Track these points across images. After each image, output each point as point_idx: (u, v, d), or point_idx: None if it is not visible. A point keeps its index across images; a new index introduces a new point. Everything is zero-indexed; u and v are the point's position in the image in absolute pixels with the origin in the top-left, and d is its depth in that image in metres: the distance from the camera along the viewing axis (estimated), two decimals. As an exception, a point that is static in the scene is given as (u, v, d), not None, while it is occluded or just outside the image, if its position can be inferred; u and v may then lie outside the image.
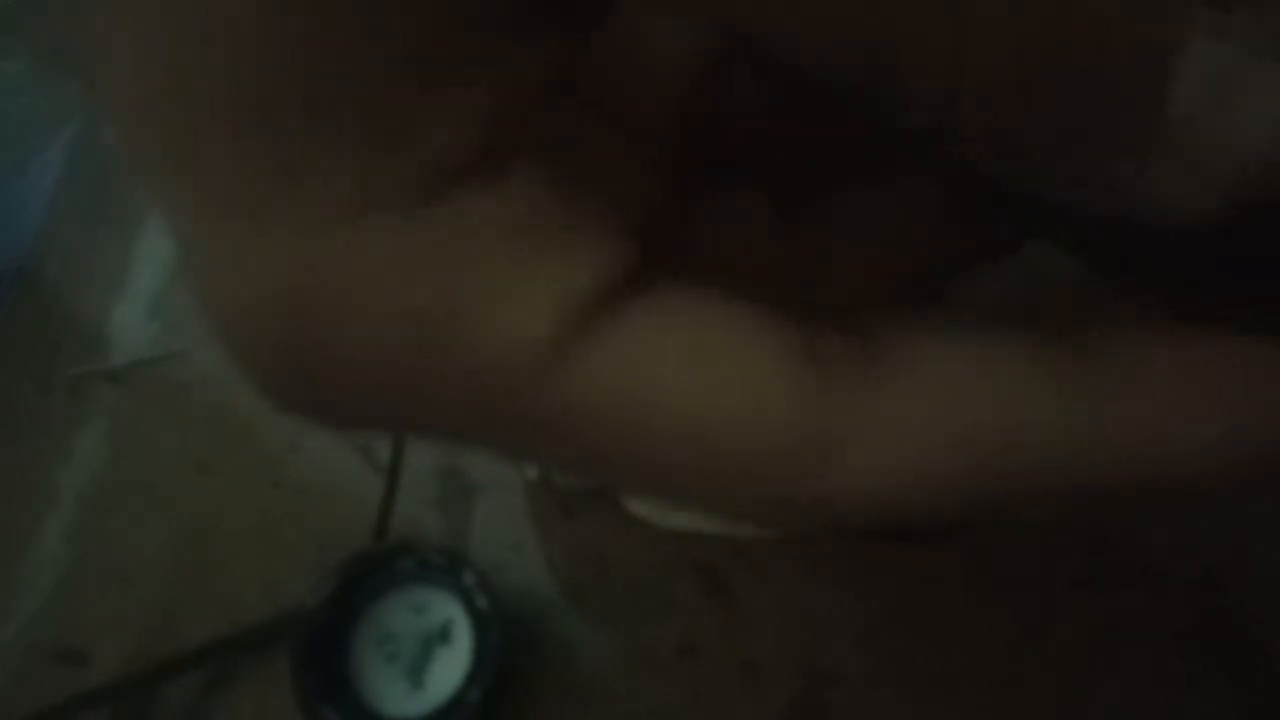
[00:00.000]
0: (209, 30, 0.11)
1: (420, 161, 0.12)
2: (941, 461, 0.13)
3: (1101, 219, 0.12)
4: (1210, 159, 0.11)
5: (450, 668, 0.39)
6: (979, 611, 0.40)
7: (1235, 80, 0.10)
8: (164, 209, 0.13)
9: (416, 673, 0.39)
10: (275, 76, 0.11)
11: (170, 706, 0.41)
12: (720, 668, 0.40)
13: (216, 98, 0.11)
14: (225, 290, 0.13)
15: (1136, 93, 0.11)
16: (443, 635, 0.40)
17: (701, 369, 0.13)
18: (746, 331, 0.13)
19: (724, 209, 0.17)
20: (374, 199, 0.12)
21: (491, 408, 0.13)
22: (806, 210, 0.17)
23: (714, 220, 0.17)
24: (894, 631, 0.40)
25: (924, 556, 0.41)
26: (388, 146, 0.12)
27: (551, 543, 0.43)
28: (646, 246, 0.14)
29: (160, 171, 0.12)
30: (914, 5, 0.10)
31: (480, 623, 0.39)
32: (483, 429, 0.13)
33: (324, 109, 0.11)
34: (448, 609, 0.40)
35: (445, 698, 0.38)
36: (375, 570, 0.40)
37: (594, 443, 0.13)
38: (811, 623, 0.40)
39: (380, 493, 0.42)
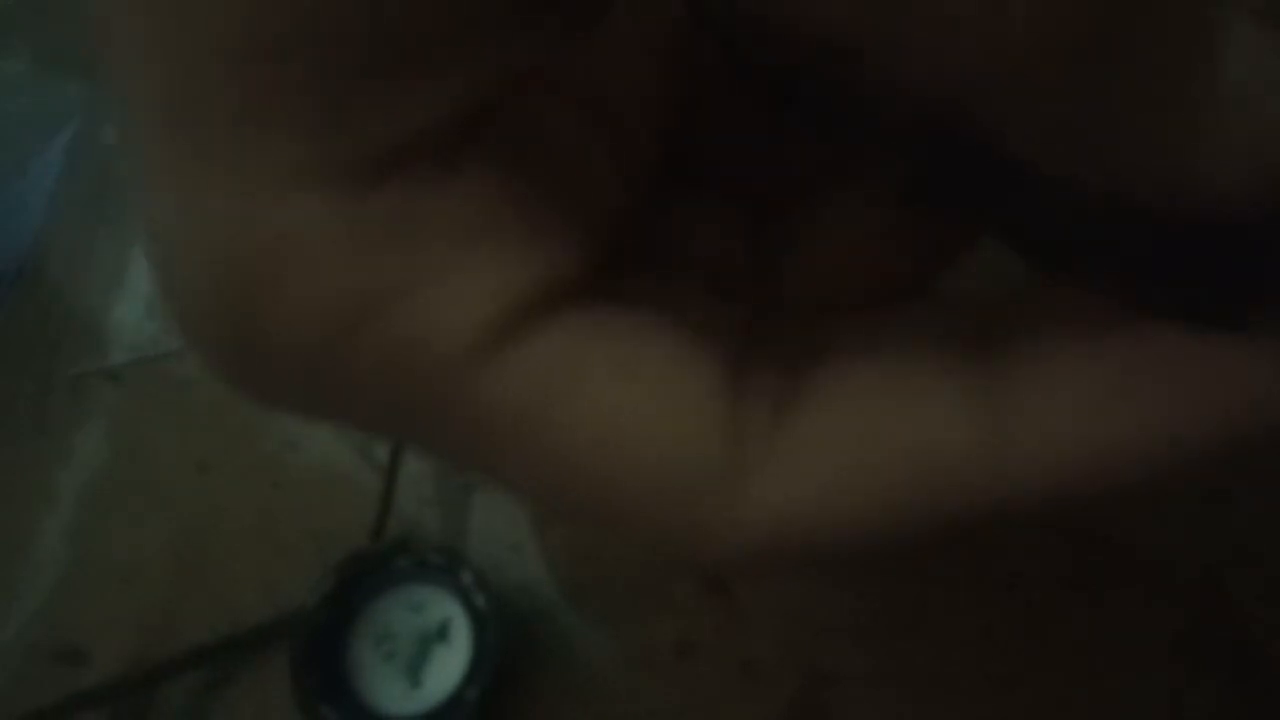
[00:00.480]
0: None
1: (377, 141, 0.12)
2: (850, 491, 0.13)
3: (1083, 214, 0.12)
4: (1260, 142, 0.10)
5: (448, 667, 0.39)
6: (979, 611, 0.40)
7: None
8: (134, 166, 0.13)
9: (414, 671, 0.39)
10: (250, 28, 0.11)
11: (169, 706, 0.41)
12: (719, 667, 0.40)
13: (202, 41, 0.11)
14: (173, 248, 0.13)
15: (1187, 70, 0.10)
16: (441, 634, 0.40)
17: (628, 384, 0.13)
18: (678, 359, 0.13)
19: (694, 217, 0.17)
20: (326, 172, 0.12)
21: (412, 396, 0.13)
22: (774, 224, 0.18)
23: (683, 227, 0.17)
24: (894, 631, 0.40)
25: (924, 556, 0.41)
26: (346, 122, 0.11)
27: (550, 542, 0.43)
28: (609, 249, 0.14)
29: (132, 109, 0.12)
30: None
31: (478, 622, 0.39)
32: (401, 419, 0.13)
33: (290, 70, 0.11)
34: (446, 608, 0.40)
35: (443, 697, 0.38)
36: (373, 569, 0.40)
37: (509, 444, 0.13)
38: (811, 622, 0.40)
39: (379, 492, 0.42)
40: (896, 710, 0.39)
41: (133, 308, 0.52)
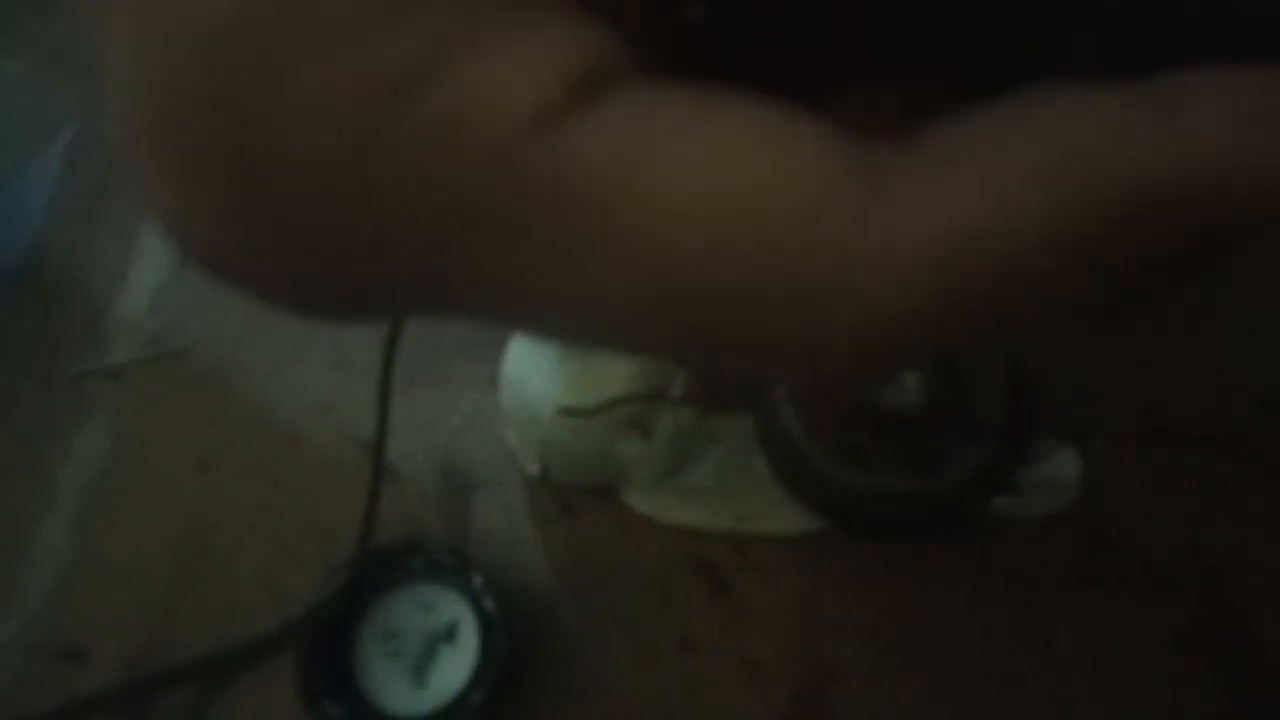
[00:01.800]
0: None
1: None
2: (1019, 196, 0.10)
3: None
4: None
5: (454, 668, 0.39)
6: (979, 611, 0.40)
7: None
8: None
9: (420, 671, 0.39)
10: None
11: (171, 703, 0.41)
12: (721, 664, 0.40)
13: None
14: (156, 47, 0.10)
15: None
16: (448, 635, 0.40)
17: (724, 134, 0.11)
18: (775, 116, 0.11)
19: None
20: None
21: (464, 192, 0.10)
22: None
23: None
24: (895, 630, 0.40)
25: (924, 556, 0.41)
26: None
27: (552, 540, 0.43)
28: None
29: None
30: None
31: (486, 625, 0.39)
32: (448, 228, 0.11)
33: None
34: (455, 609, 0.40)
35: (448, 698, 0.38)
36: (383, 567, 0.40)
37: (587, 230, 0.10)
38: (812, 620, 0.40)
39: (380, 491, 0.42)
40: (898, 707, 0.39)
41: (133, 307, 0.52)
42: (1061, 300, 0.11)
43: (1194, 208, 0.11)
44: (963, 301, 0.11)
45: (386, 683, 0.39)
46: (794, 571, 0.41)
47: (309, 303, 0.12)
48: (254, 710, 0.41)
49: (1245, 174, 0.10)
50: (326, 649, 0.39)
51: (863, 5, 0.14)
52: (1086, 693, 0.38)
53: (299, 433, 0.47)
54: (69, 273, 0.54)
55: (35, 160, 0.58)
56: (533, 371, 0.41)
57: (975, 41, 0.14)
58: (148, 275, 0.53)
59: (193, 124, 0.10)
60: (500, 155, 0.10)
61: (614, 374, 0.39)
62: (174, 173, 0.11)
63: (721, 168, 0.10)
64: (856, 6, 0.15)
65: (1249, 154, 0.10)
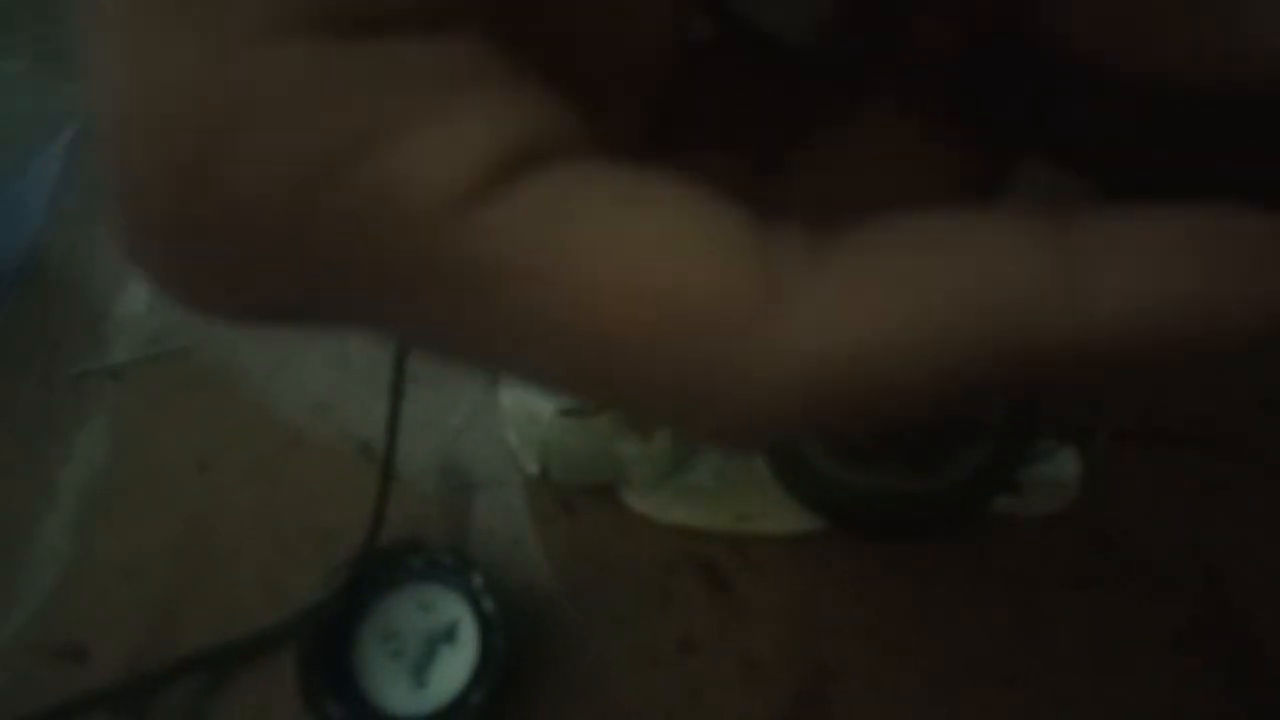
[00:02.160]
0: None
1: None
2: (908, 318, 0.11)
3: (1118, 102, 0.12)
4: None
5: (454, 669, 0.39)
6: (979, 611, 0.40)
7: None
8: (85, 19, 0.12)
9: (420, 671, 0.39)
10: None
11: (171, 702, 0.41)
12: (721, 664, 0.40)
13: None
14: (128, 104, 0.11)
15: None
16: (448, 635, 0.40)
17: (635, 215, 0.11)
18: (692, 196, 0.12)
19: (690, 162, 0.15)
20: (305, 18, 0.11)
21: (389, 255, 0.11)
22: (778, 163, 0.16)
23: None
24: (895, 630, 0.40)
25: (924, 556, 0.41)
26: None
27: (552, 539, 0.43)
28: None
29: None
30: None
31: (486, 625, 0.39)
32: (374, 289, 0.12)
33: None
34: (455, 609, 0.40)
35: (448, 699, 0.38)
36: (384, 567, 0.40)
37: (500, 300, 0.11)
38: (812, 619, 0.40)
39: (387, 489, 0.42)
40: (897, 707, 0.39)
41: (133, 306, 0.52)
42: (919, 410, 0.12)
43: (1087, 362, 0.11)
44: (831, 411, 0.11)
45: (387, 683, 0.39)
46: (794, 571, 0.41)
47: (263, 326, 0.13)
48: (254, 710, 0.41)
49: (1144, 341, 0.11)
50: (327, 649, 0.39)
51: (893, 32, 0.14)
52: (1086, 693, 0.38)
53: (299, 433, 0.47)
54: (69, 273, 0.54)
55: (35, 160, 0.58)
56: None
57: (984, 80, 0.14)
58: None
59: (159, 186, 0.11)
60: (417, 229, 0.11)
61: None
62: (142, 223, 0.12)
63: (630, 259, 0.11)
64: (884, 34, 0.15)
65: (1152, 325, 0.11)
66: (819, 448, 0.38)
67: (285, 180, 0.11)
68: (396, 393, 0.41)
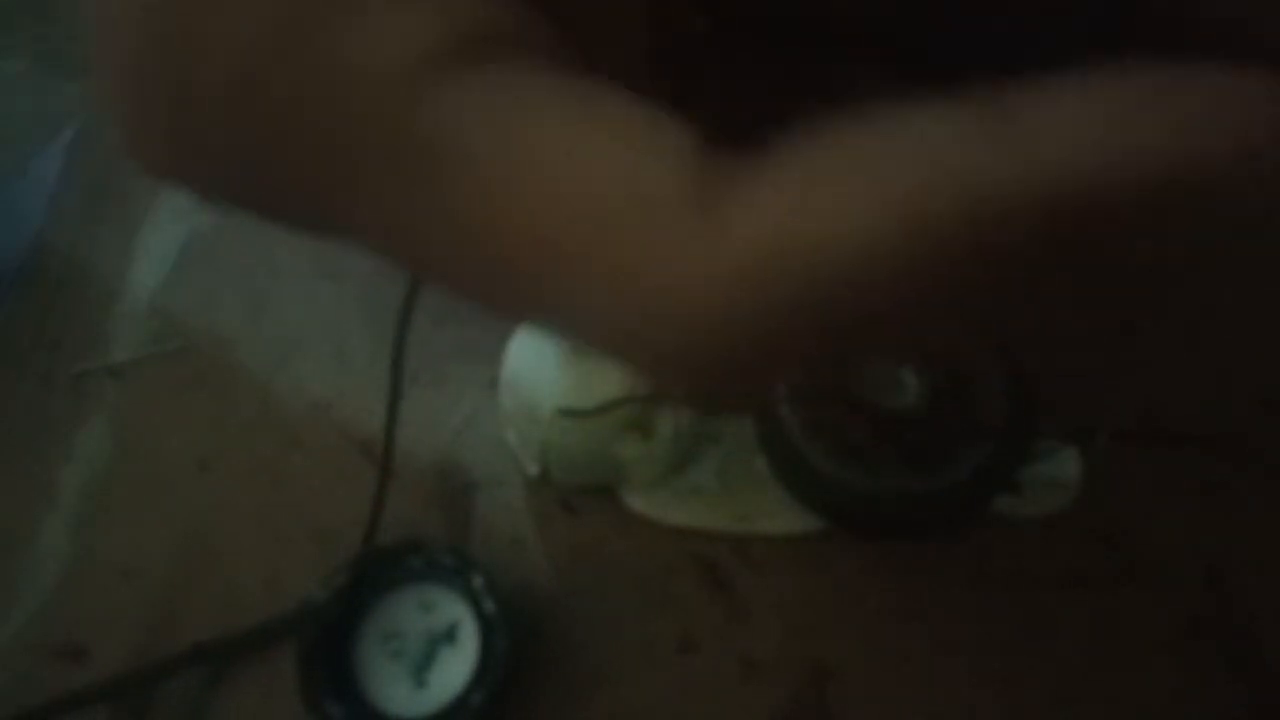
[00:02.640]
0: None
1: None
2: (854, 200, 0.11)
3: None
4: None
5: (454, 670, 0.39)
6: (979, 611, 0.40)
7: None
8: None
9: (420, 672, 0.39)
10: None
11: (171, 699, 0.41)
12: (721, 664, 0.40)
13: None
14: None
15: None
16: (449, 636, 0.40)
17: (578, 118, 0.11)
18: (641, 111, 0.12)
19: None
20: None
21: (347, 137, 0.11)
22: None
23: None
24: (894, 629, 0.40)
25: (924, 556, 0.41)
26: None
27: (552, 539, 0.43)
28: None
29: None
30: None
31: (487, 626, 0.38)
32: (327, 166, 0.12)
33: None
34: (455, 610, 0.40)
35: (448, 700, 0.38)
36: (385, 567, 0.40)
37: (453, 188, 0.11)
38: (812, 619, 0.40)
39: (386, 489, 0.42)
40: (897, 707, 0.39)
41: (133, 306, 0.52)
42: (922, 315, 0.11)
43: (1048, 217, 0.11)
44: (790, 315, 0.11)
45: (387, 683, 0.39)
46: (794, 571, 0.41)
47: (231, 204, 0.14)
48: (255, 710, 0.41)
49: (1092, 182, 0.11)
50: (327, 648, 0.39)
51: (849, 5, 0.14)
52: (1086, 692, 0.38)
53: (299, 433, 0.47)
54: (69, 273, 0.54)
55: (35, 160, 0.58)
56: (533, 372, 0.41)
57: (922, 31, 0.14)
58: (148, 275, 0.53)
59: (130, 21, 0.12)
60: (366, 103, 0.11)
61: (614, 374, 0.39)
62: (114, 58, 0.13)
63: (570, 158, 0.11)
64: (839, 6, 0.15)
65: (1095, 163, 0.11)
66: (819, 447, 0.38)
67: (250, 49, 0.11)
68: (395, 393, 0.41)
